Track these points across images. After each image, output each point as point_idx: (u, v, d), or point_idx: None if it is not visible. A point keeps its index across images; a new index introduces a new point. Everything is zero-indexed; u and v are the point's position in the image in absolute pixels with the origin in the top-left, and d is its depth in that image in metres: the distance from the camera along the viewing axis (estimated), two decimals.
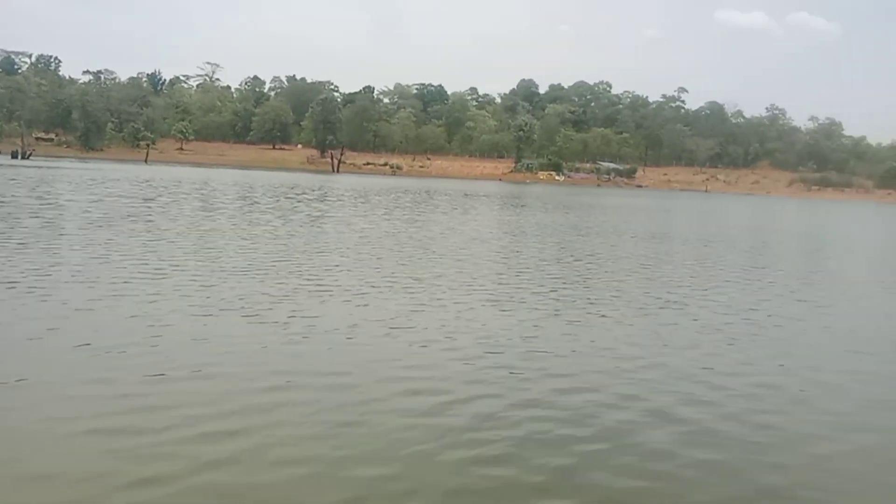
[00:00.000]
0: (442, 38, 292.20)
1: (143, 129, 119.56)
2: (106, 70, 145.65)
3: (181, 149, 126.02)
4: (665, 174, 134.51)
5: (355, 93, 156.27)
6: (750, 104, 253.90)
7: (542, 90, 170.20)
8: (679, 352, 8.61)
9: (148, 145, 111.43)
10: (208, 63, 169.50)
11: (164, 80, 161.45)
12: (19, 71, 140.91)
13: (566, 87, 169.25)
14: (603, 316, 10.61)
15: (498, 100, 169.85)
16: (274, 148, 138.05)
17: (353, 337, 8.48)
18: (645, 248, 21.29)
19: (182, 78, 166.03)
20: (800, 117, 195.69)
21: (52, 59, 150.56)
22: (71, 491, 4.42)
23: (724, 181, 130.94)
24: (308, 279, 12.12)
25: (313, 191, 43.82)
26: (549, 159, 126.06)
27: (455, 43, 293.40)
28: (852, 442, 6.00)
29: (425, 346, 8.19)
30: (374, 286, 11.84)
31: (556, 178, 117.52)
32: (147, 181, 43.33)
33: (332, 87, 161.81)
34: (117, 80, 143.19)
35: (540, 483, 4.87)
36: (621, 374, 7.57)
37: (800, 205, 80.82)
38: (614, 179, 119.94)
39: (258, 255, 14.47)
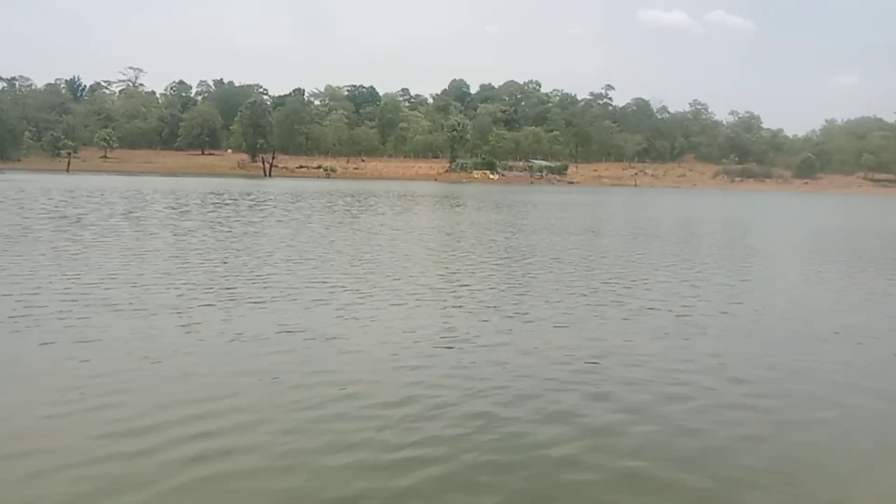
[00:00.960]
0: (372, 38, 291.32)
1: (63, 137, 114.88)
2: (21, 76, 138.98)
3: (105, 157, 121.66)
4: (595, 170, 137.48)
5: (285, 95, 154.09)
6: (674, 100, 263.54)
7: (473, 90, 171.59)
8: (615, 341, 8.82)
9: (69, 154, 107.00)
10: (131, 68, 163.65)
11: (84, 86, 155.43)
12: None
13: (497, 86, 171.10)
14: (538, 315, 10.75)
15: (430, 100, 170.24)
16: (203, 154, 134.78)
17: (282, 343, 8.35)
18: (580, 243, 21.71)
19: (103, 84, 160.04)
20: (721, 111, 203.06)
21: None
22: None
23: (653, 175, 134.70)
24: (229, 287, 11.87)
25: (246, 196, 42.95)
26: (483, 158, 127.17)
27: (385, 44, 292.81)
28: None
29: (359, 352, 8.10)
30: (312, 287, 11.69)
31: (491, 176, 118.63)
32: (71, 191, 41.68)
33: (261, 90, 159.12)
34: (33, 87, 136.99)
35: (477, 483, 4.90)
36: (560, 368, 7.69)
37: (724, 196, 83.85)
38: (547, 177, 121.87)
39: (192, 266, 14.09)
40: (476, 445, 5.41)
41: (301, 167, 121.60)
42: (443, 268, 15.19)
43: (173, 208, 31.15)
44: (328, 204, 37.97)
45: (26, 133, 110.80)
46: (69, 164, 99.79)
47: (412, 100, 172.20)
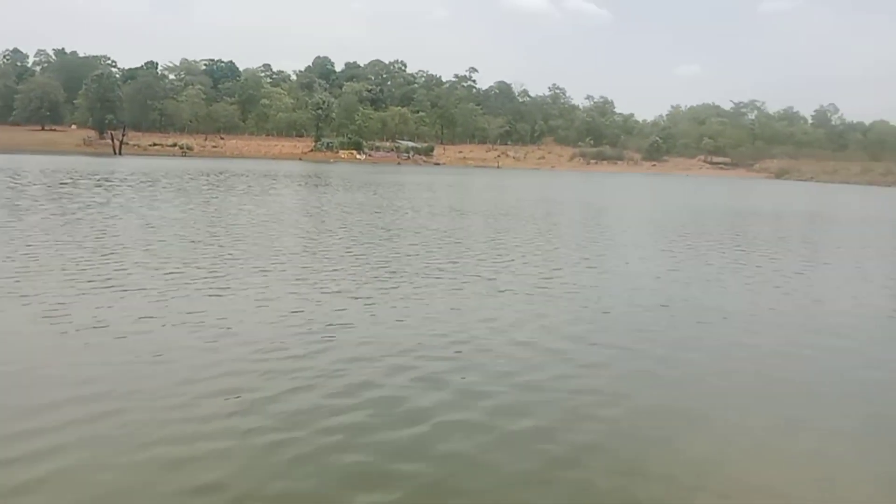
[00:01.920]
0: (231, 10, 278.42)
1: None
2: None
3: None
4: (461, 152, 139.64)
5: (136, 68, 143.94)
6: (535, 84, 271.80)
7: (338, 68, 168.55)
8: (477, 317, 9.26)
9: None
10: None
11: None
12: None
13: (362, 65, 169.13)
14: (406, 291, 11.03)
15: (294, 77, 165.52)
16: (43, 129, 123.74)
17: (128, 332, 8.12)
18: (447, 223, 22.22)
19: None
20: (578, 96, 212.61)
21: None
22: None
23: (514, 157, 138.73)
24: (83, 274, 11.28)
25: (93, 176, 40.12)
26: (350, 138, 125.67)
27: (245, 17, 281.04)
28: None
29: (214, 341, 8.01)
30: (166, 273, 11.31)
31: (358, 156, 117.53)
32: None
33: (110, 62, 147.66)
34: None
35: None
36: (425, 347, 8.00)
37: (582, 177, 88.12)
38: (414, 157, 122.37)
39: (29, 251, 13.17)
40: (300, 437, 5.59)
41: (155, 145, 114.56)
42: (305, 250, 15.10)
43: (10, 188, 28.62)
44: (182, 185, 36.28)
45: None
46: None
47: (274, 76, 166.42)
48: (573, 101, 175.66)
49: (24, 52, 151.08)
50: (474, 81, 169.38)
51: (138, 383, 6.34)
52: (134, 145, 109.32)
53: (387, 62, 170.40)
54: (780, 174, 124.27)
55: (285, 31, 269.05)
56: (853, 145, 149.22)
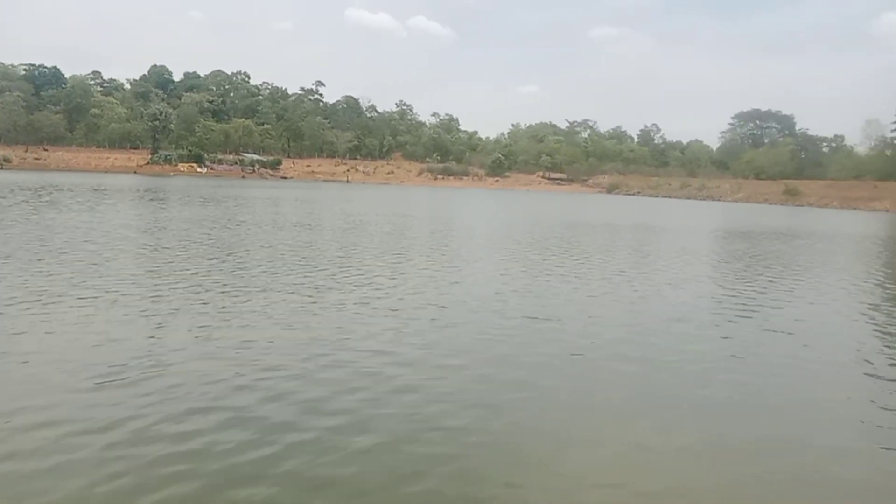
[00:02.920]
0: (54, 11, 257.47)
1: None
2: None
3: None
4: (309, 165, 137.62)
5: None
6: (382, 99, 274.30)
7: (177, 78, 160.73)
8: (328, 326, 9.21)
9: None
10: None
11: None
12: None
13: (203, 75, 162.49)
14: (254, 307, 10.76)
15: (127, 86, 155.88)
16: None
17: None
18: (293, 238, 21.83)
19: None
20: (425, 113, 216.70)
21: None
22: None
23: (364, 172, 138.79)
24: None
25: None
26: (190, 150, 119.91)
27: (70, 19, 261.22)
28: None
29: (26, 362, 7.45)
30: None
31: (199, 170, 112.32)
32: None
33: None
34: None
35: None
36: (271, 365, 7.85)
37: (430, 191, 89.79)
38: (259, 171, 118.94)
39: None
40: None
41: None
42: (135, 268, 14.27)
43: None
44: (22, 200, 32.98)
45: None
46: None
47: (106, 84, 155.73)
48: (420, 118, 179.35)
49: None
50: (321, 95, 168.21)
51: None
52: None
53: (229, 73, 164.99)
54: (610, 189, 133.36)
55: (116, 38, 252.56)
56: (673, 162, 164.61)
